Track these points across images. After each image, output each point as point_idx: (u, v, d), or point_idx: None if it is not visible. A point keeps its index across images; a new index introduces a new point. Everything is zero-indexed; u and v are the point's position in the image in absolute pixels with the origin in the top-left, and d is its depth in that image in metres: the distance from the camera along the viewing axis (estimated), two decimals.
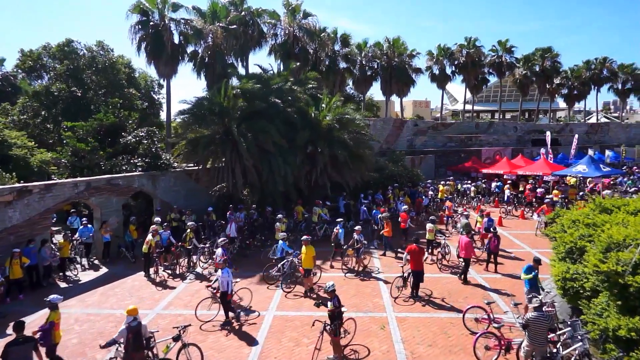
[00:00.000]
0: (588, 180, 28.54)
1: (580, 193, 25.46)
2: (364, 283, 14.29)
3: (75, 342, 10.49)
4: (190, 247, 16.27)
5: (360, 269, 15.31)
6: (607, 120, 71.73)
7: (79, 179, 17.45)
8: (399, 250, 17.63)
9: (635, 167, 38.25)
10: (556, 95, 58.47)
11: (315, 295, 13.12)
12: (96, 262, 17.15)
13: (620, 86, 57.33)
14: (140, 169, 20.26)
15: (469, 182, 30.45)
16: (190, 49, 29.62)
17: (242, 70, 30.37)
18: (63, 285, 14.80)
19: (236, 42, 29.20)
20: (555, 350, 8.58)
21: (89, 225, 17.39)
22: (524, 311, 10.76)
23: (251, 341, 10.36)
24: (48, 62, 34.46)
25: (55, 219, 21.28)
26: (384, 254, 17.37)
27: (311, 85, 25.08)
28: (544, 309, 8.63)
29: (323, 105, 23.78)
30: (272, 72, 25.22)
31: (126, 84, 34.45)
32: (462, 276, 14.11)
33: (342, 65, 40.15)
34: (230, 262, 13.46)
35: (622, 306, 8.10)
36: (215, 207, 20.84)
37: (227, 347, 10.09)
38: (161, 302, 12.89)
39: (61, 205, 16.82)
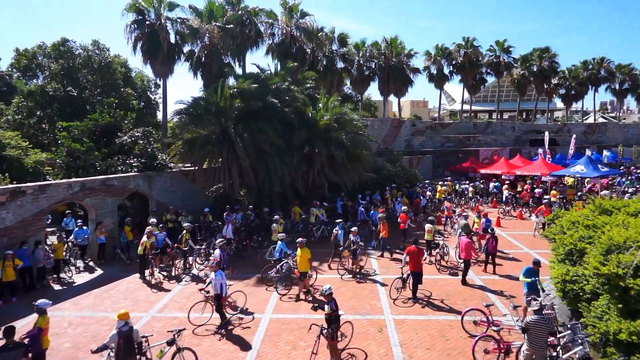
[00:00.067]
0: (586, 180, 28.53)
1: (579, 193, 25.43)
2: (362, 285, 14.16)
3: (68, 346, 10.31)
4: (186, 248, 16.09)
5: (357, 270, 15.16)
6: (604, 120, 71.83)
7: (73, 179, 17.25)
8: (397, 251, 17.54)
9: (632, 167, 38.30)
10: (554, 96, 58.53)
11: (311, 298, 12.97)
12: (91, 263, 16.95)
13: (617, 86, 57.51)
14: (136, 169, 20.08)
15: (467, 182, 30.37)
16: (186, 48, 29.47)
17: (239, 70, 30.21)
18: (57, 287, 14.60)
19: (233, 42, 29.02)
20: (555, 353, 8.47)
21: (84, 227, 17.19)
22: (523, 313, 10.66)
23: (247, 345, 10.21)
24: (43, 62, 34.18)
25: (50, 220, 21.08)
26: (382, 255, 17.25)
27: (309, 85, 24.96)
28: (543, 312, 8.52)
29: (320, 105, 23.65)
30: (269, 71, 25.07)
31: (122, 83, 34.24)
32: (463, 277, 13.98)
33: (340, 65, 40.00)
34: (227, 264, 13.29)
35: (623, 309, 7.97)
36: (212, 207, 20.68)
37: (222, 351, 9.93)
38: (156, 305, 12.72)
39: (55, 206, 16.61)
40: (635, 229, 8.81)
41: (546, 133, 35.28)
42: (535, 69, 51.80)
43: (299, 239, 13.28)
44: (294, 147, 21.45)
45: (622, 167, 37.24)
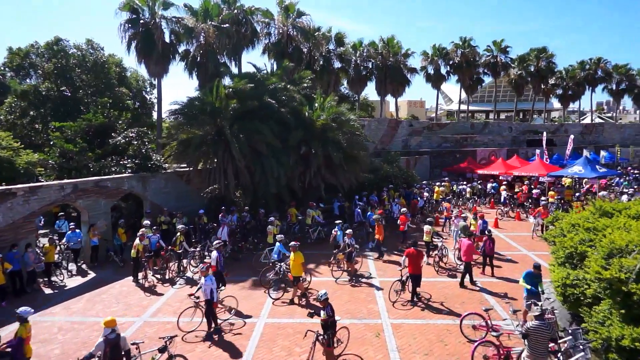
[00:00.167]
0: (584, 181, 28.44)
1: (577, 194, 25.32)
2: (359, 288, 13.94)
3: (58, 352, 10.04)
4: (180, 250, 15.84)
5: (352, 273, 14.88)
6: (601, 120, 71.96)
7: (65, 181, 16.94)
8: (396, 252, 17.36)
9: (629, 168, 38.28)
10: (551, 96, 58.61)
11: (304, 302, 12.74)
12: (84, 266, 16.65)
13: (614, 87, 57.56)
14: (130, 170, 19.79)
15: (465, 183, 30.21)
16: (181, 47, 29.26)
17: (235, 70, 30.02)
18: (48, 291, 14.30)
19: (229, 41, 28.78)
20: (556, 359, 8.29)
21: (77, 230, 16.78)
22: (523, 317, 10.47)
23: (241, 350, 9.96)
24: (37, 61, 33.77)
25: (42, 222, 20.76)
26: (379, 258, 17.05)
27: (305, 85, 24.75)
28: (544, 317, 8.33)
29: (316, 105, 23.44)
30: (265, 71, 24.83)
31: (117, 83, 33.88)
32: (462, 280, 13.78)
33: (337, 64, 39.86)
34: (223, 267, 13.02)
35: (626, 315, 7.81)
36: (207, 209, 20.40)
37: (216, 358, 9.69)
38: (149, 309, 12.46)
39: (47, 208, 16.32)
40: (637, 232, 8.66)
41: (544, 134, 35.17)
42: (532, 69, 51.85)
43: (292, 243, 12.99)
44: (291, 147, 21.23)
45: (619, 168, 37.20)
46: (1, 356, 7.27)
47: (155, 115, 36.49)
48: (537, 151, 32.92)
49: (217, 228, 17.59)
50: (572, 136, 33.89)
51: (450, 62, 48.26)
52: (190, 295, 11.26)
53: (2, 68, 36.11)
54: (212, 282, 10.50)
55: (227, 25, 28.56)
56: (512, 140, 46.13)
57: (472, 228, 17.82)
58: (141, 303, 12.97)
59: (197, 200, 21.36)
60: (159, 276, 15.31)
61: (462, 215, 17.98)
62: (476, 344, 9.01)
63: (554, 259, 10.95)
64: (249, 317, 11.77)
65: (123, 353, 7.45)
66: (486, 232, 15.66)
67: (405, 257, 12.49)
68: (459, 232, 16.98)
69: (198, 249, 16.66)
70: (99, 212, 17.56)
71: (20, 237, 14.46)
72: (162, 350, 8.28)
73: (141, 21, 26.66)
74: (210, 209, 20.65)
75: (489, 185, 29.30)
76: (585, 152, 31.63)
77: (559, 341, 8.63)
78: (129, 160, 20.29)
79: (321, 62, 36.62)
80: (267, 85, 22.22)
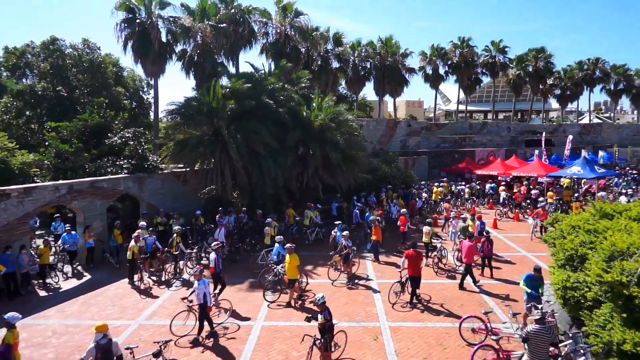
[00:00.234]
0: (583, 181, 28.37)
1: (575, 195, 25.25)
2: (357, 290, 13.80)
3: (52, 356, 9.89)
4: (177, 252, 15.68)
5: (349, 275, 14.72)
6: (599, 120, 72.05)
7: (60, 182, 16.74)
8: (396, 253, 17.24)
9: (627, 168, 38.28)
10: (549, 96, 58.55)
11: (299, 304, 12.61)
12: (79, 268, 16.47)
13: (612, 87, 57.56)
14: (126, 171, 19.60)
15: (463, 183, 30.11)
16: (178, 47, 28.96)
17: (232, 70, 29.74)
18: (43, 293, 14.14)
19: (226, 41, 28.57)
20: None
21: (73, 232, 16.56)
22: (523, 320, 10.37)
23: (238, 354, 9.83)
24: (32, 61, 33.49)
25: (38, 224, 20.57)
26: (376, 259, 16.91)
27: (303, 85, 24.59)
28: (545, 321, 8.22)
29: (314, 105, 23.29)
30: (263, 71, 24.65)
31: (114, 83, 33.63)
32: (461, 282, 13.66)
33: (335, 64, 39.66)
34: (220, 268, 12.84)
35: (627, 318, 7.69)
36: (204, 210, 20.23)
37: None
38: (144, 312, 12.31)
39: (41, 209, 16.14)
40: (638, 235, 8.55)
41: (543, 134, 35.13)
42: (530, 69, 51.79)
43: (288, 245, 12.83)
44: (288, 147, 21.08)
45: (617, 168, 37.18)
46: None
47: (152, 115, 36.32)
48: (536, 151, 32.86)
49: (214, 229, 17.43)
50: (570, 136, 33.88)
51: (449, 62, 48.14)
52: (183, 298, 11.06)
53: None
54: (206, 286, 10.31)
55: (224, 24, 28.35)
56: (511, 141, 46.09)
57: (469, 229, 17.72)
58: (137, 305, 12.82)
59: (194, 201, 21.20)
60: (155, 278, 15.16)
61: (462, 216, 17.87)
62: (476, 347, 8.90)
63: (554, 261, 10.83)
64: (246, 319, 11.64)
65: (115, 358, 7.29)
66: (484, 233, 15.56)
67: (405, 258, 12.37)
68: (459, 233, 16.88)
69: (195, 250, 16.50)
70: (94, 213, 17.40)
71: (15, 239, 14.29)
72: (156, 355, 8.13)
73: (137, 21, 26.44)
74: (207, 209, 20.50)
75: (487, 186, 29.19)
76: (584, 153, 31.54)
77: (560, 345, 8.52)
78: (125, 161, 20.10)
79: (319, 62, 36.45)
80: (264, 85, 22.06)
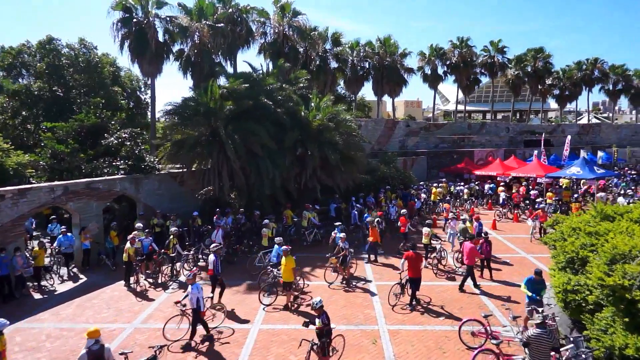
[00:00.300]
0: (582, 182, 28.28)
1: (575, 195, 25.16)
2: (355, 293, 13.66)
3: None
4: (173, 254, 15.52)
5: (347, 277, 14.58)
6: (597, 121, 72.06)
7: (55, 183, 16.57)
8: (394, 255, 17.11)
9: (626, 168, 38.22)
10: (548, 96, 58.51)
11: (296, 305, 12.47)
12: (75, 270, 16.29)
13: (611, 87, 57.54)
14: (122, 171, 19.43)
15: (462, 183, 30.00)
16: (176, 47, 28.84)
17: (230, 70, 29.59)
18: (37, 296, 13.97)
19: (224, 41, 28.41)
20: None
21: (69, 234, 16.33)
22: (524, 323, 10.24)
23: (234, 359, 9.68)
24: (29, 60, 33.26)
25: (34, 225, 20.37)
26: (375, 260, 16.79)
27: (301, 85, 24.44)
28: (546, 325, 8.09)
29: (312, 105, 23.15)
30: (261, 71, 24.50)
31: (110, 83, 33.42)
32: (461, 284, 13.52)
33: (333, 64, 39.48)
34: (219, 270, 12.67)
35: (630, 323, 7.58)
36: (201, 211, 20.06)
37: None
38: (140, 315, 12.15)
39: (36, 210, 15.95)
40: None
41: (543, 134, 35.04)
42: (529, 70, 51.72)
43: (284, 247, 12.64)
44: (286, 148, 20.93)
45: (615, 168, 37.12)
46: None
47: (149, 115, 36.12)
48: (535, 152, 32.77)
49: (212, 230, 17.28)
50: (569, 137, 33.80)
51: (448, 62, 48.03)
52: (176, 302, 10.85)
53: None
54: (199, 291, 10.12)
55: (222, 24, 28.19)
56: (510, 141, 46.01)
57: (468, 230, 17.61)
58: (132, 308, 12.66)
59: (191, 202, 21.02)
60: (151, 280, 15.00)
61: (462, 217, 17.75)
62: (476, 351, 8.77)
63: (554, 264, 10.71)
64: (244, 322, 11.52)
65: None
66: (483, 234, 15.45)
67: (405, 260, 12.24)
68: (459, 234, 16.76)
69: (192, 252, 16.34)
70: (90, 215, 17.22)
71: (9, 241, 14.11)
72: None
73: (134, 20, 26.26)
74: (205, 210, 20.33)
75: (486, 186, 29.09)
76: (583, 153, 31.46)
77: (561, 349, 8.40)
78: (122, 162, 19.92)
79: (317, 62, 36.28)
80: (262, 85, 21.91)
